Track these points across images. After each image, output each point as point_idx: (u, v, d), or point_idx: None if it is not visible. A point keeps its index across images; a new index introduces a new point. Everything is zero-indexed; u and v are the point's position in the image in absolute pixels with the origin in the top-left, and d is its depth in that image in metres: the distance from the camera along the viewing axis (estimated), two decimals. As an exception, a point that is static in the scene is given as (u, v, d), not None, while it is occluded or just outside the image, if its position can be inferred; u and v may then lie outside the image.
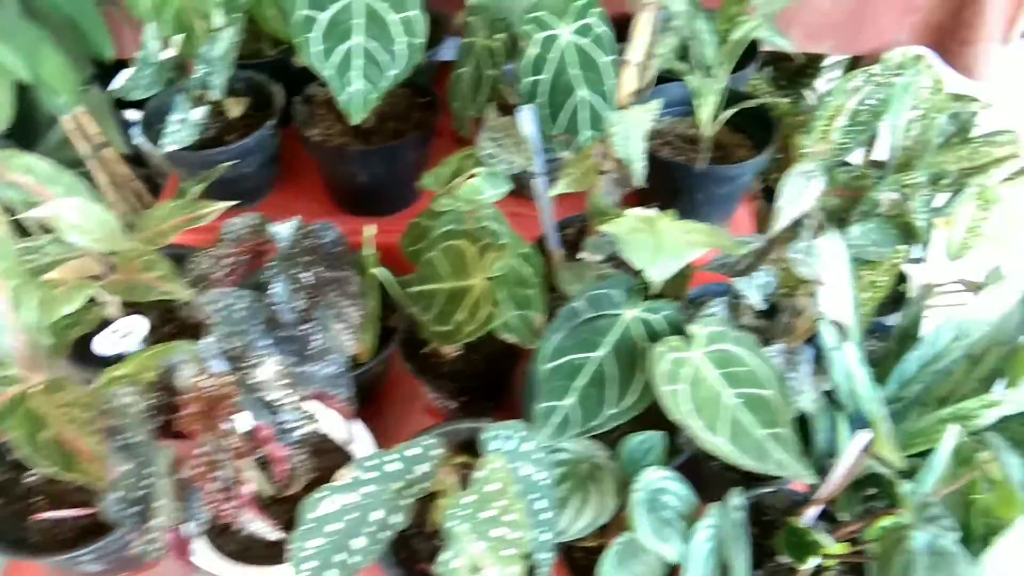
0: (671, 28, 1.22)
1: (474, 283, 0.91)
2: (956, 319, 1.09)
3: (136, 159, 1.73)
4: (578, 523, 0.83)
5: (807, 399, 1.03)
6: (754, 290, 1.06)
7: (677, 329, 0.86)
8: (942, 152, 1.53)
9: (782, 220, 0.97)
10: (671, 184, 1.26)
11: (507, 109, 1.22)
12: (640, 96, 1.01)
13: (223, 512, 0.67)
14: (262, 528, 0.69)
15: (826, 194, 1.48)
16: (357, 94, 1.13)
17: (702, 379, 0.81)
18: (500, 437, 0.72)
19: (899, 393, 1.12)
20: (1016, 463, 0.80)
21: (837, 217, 1.52)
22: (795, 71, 1.88)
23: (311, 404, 0.73)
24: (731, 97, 1.27)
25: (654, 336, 0.86)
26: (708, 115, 1.23)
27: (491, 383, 1.15)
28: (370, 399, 1.18)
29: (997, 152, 1.51)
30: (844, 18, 1.45)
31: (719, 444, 0.79)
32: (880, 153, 1.57)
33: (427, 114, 1.32)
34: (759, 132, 1.31)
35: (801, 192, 0.96)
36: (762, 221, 1.53)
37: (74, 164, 1.63)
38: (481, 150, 0.98)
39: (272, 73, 1.35)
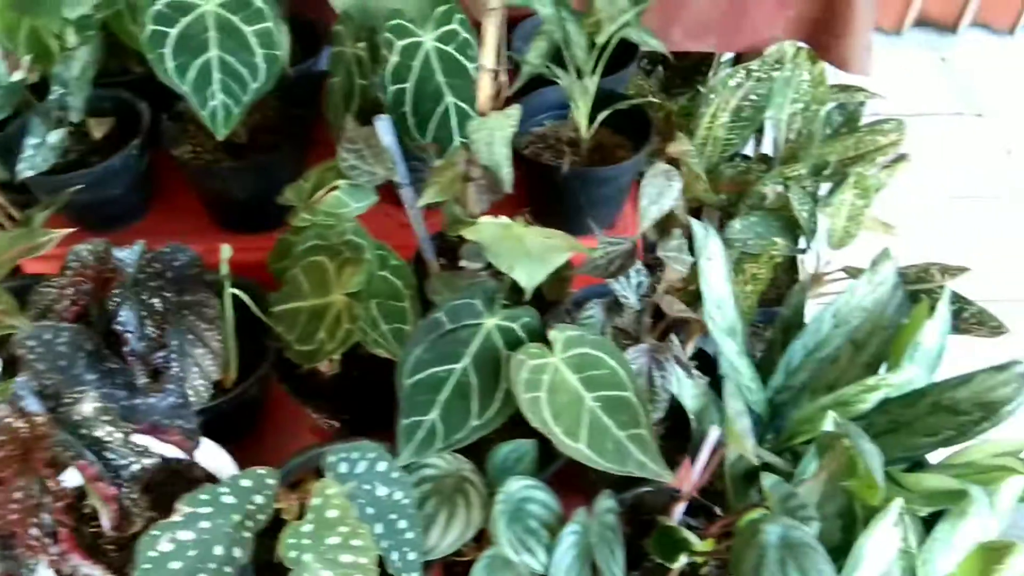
0: (543, 32, 1.22)
1: (334, 300, 0.88)
2: (833, 305, 1.11)
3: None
4: (446, 539, 0.82)
5: (687, 395, 1.03)
6: (630, 291, 1.06)
7: (539, 335, 0.85)
8: (829, 143, 1.56)
9: (646, 220, 0.98)
10: (552, 188, 1.26)
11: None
12: (501, 101, 1.00)
13: (51, 560, 0.63)
14: (95, 573, 0.65)
15: (715, 189, 1.50)
16: (219, 109, 1.09)
17: (561, 385, 0.80)
18: (347, 460, 0.70)
19: (787, 382, 1.13)
20: (872, 450, 0.81)
21: (726, 212, 1.55)
22: (689, 69, 1.90)
23: (145, 439, 0.69)
24: (610, 99, 1.27)
25: (516, 344, 0.85)
26: (584, 118, 1.23)
27: (375, 399, 1.12)
28: (248, 424, 1.14)
29: (881, 140, 1.54)
30: (722, 16, 1.47)
31: (580, 449, 0.78)
32: (768, 146, 1.61)
33: (302, 125, 1.29)
34: (639, 133, 1.31)
35: (663, 191, 0.96)
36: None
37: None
38: (342, 162, 0.96)
39: (139, 91, 1.30)
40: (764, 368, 1.10)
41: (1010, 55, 2.67)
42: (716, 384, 1.02)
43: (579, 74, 1.19)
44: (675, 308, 0.95)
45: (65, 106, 1.17)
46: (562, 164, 1.21)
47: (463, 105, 1.10)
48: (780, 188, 1.45)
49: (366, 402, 1.11)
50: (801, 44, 1.49)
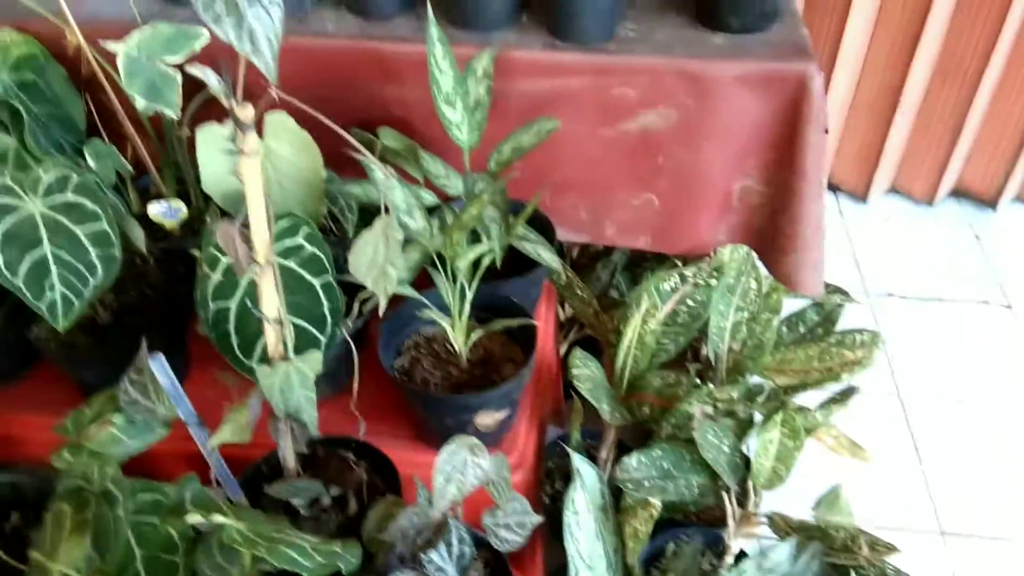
0: (413, 241, 1.13)
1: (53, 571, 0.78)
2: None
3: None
4: None
5: None
6: (449, 564, 0.92)
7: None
8: (791, 350, 1.39)
9: (443, 500, 0.84)
10: (424, 407, 1.14)
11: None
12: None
13: None
14: None
15: (638, 402, 1.36)
16: (59, 302, 1.04)
17: None
18: None
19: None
20: None
21: (645, 430, 1.40)
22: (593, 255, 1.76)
23: None
24: (501, 308, 1.16)
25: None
26: (461, 333, 1.12)
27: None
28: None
29: (848, 355, 1.37)
30: (657, 216, 1.36)
31: None
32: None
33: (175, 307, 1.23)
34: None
35: (464, 469, 0.83)
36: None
37: None
38: (122, 394, 0.88)
39: None
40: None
41: (1055, 241, 2.43)
42: None
43: (456, 283, 1.09)
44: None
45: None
46: (447, 380, 1.10)
47: (304, 324, 1.00)
48: (709, 409, 1.30)
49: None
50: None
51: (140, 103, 1.15)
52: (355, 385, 0.99)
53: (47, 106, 1.28)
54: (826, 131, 1.20)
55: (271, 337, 0.84)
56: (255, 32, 0.65)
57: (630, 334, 1.36)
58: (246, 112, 0.66)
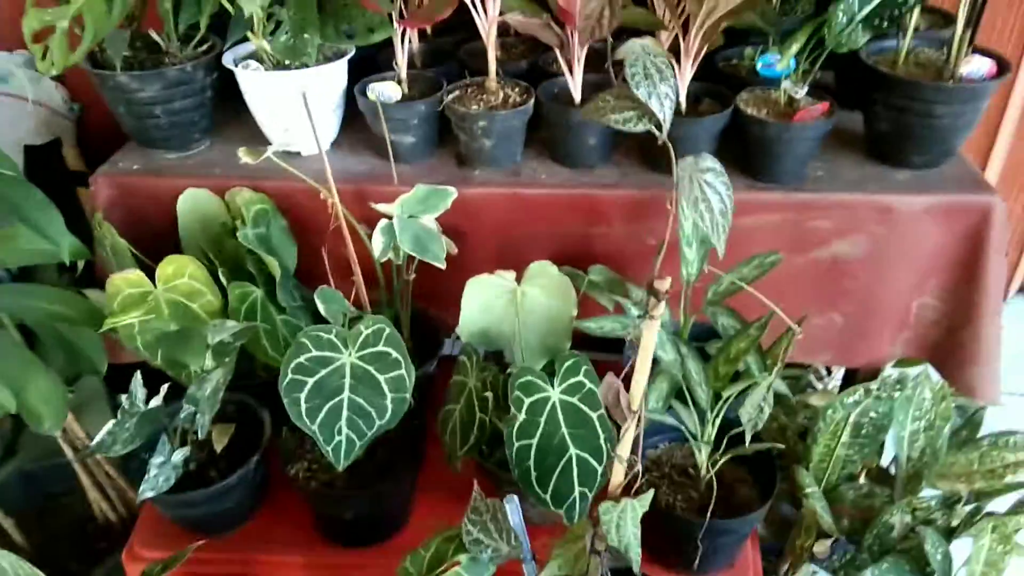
0: (662, 371, 1.21)
1: None
2: None
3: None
4: None
5: None
6: None
7: None
8: (952, 455, 1.47)
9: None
10: (673, 533, 1.20)
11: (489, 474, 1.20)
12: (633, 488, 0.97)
13: None
14: None
15: (836, 514, 1.42)
16: (343, 443, 1.10)
17: None
18: None
19: None
20: None
21: (852, 540, 1.45)
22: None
23: None
24: (736, 434, 1.24)
25: None
26: (704, 459, 1.20)
27: None
28: None
29: (1009, 457, 1.45)
30: (841, 332, 1.45)
31: None
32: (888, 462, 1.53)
33: (416, 440, 1.29)
34: (762, 466, 1.26)
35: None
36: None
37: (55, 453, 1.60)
38: (466, 534, 0.93)
39: (263, 396, 1.33)
40: None
41: None
42: None
43: (702, 416, 1.17)
44: None
45: (193, 423, 1.20)
46: (691, 505, 1.16)
47: (585, 456, 1.07)
48: (908, 519, 1.36)
49: None
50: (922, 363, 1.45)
51: (376, 251, 1.26)
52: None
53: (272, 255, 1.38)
54: (1006, 254, 1.32)
55: (618, 476, 0.90)
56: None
57: (821, 447, 1.44)
58: (664, 284, 0.75)
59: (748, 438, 1.10)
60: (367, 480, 1.23)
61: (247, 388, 1.35)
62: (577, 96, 1.36)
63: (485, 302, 1.21)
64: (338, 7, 1.32)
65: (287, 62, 1.32)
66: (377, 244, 1.23)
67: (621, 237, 1.38)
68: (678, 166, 1.09)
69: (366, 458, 1.25)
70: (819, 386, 2.05)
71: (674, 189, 1.10)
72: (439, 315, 1.49)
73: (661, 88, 1.08)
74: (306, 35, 1.25)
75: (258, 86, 1.33)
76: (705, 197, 1.03)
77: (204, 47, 1.39)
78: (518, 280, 1.21)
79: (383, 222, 1.23)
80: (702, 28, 1.24)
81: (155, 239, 1.40)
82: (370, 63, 1.46)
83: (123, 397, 1.11)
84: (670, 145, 1.12)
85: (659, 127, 1.11)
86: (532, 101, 1.35)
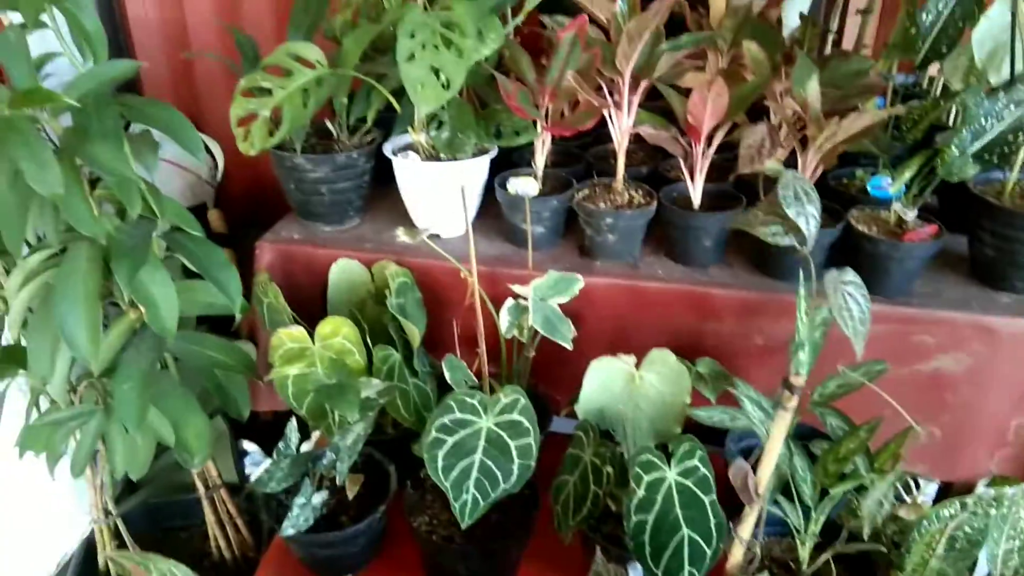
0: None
1: None
2: None
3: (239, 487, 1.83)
4: None
5: None
6: None
7: None
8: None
9: None
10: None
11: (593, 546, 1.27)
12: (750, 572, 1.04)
13: None
14: None
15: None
16: (469, 502, 1.21)
17: None
18: None
19: None
20: None
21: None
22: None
23: None
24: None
25: None
26: (807, 554, 1.25)
27: None
28: None
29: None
30: (938, 446, 1.50)
31: None
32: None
33: (529, 510, 1.38)
34: (859, 568, 1.30)
35: None
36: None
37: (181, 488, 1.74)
38: (586, 596, 1.02)
39: (389, 452, 1.45)
40: None
41: None
42: None
43: (806, 512, 1.24)
44: None
45: (333, 470, 1.33)
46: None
47: (696, 538, 1.15)
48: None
49: None
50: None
51: (503, 327, 1.38)
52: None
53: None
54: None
55: (737, 556, 0.98)
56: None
57: (916, 557, 1.47)
58: (799, 380, 0.85)
59: (866, 531, 1.16)
60: (483, 538, 1.32)
61: (373, 443, 1.48)
62: (696, 201, 1.49)
63: (605, 382, 1.32)
64: (491, 111, 1.49)
65: (441, 155, 1.49)
66: (504, 321, 1.36)
67: (728, 334, 1.48)
68: (824, 277, 1.21)
69: (482, 519, 1.35)
70: (908, 499, 2.06)
71: (796, 295, 1.21)
72: (548, 392, 1.60)
73: (808, 208, 1.21)
74: (463, 134, 1.42)
75: (413, 174, 1.50)
76: (847, 306, 1.14)
77: (368, 137, 1.58)
78: (637, 365, 1.32)
79: (510, 301, 1.37)
80: (821, 150, 1.37)
81: (305, 300, 1.57)
82: (504, 159, 1.63)
83: (280, 443, 1.25)
84: (810, 259, 1.23)
85: (803, 242, 1.23)
86: (655, 204, 1.49)
